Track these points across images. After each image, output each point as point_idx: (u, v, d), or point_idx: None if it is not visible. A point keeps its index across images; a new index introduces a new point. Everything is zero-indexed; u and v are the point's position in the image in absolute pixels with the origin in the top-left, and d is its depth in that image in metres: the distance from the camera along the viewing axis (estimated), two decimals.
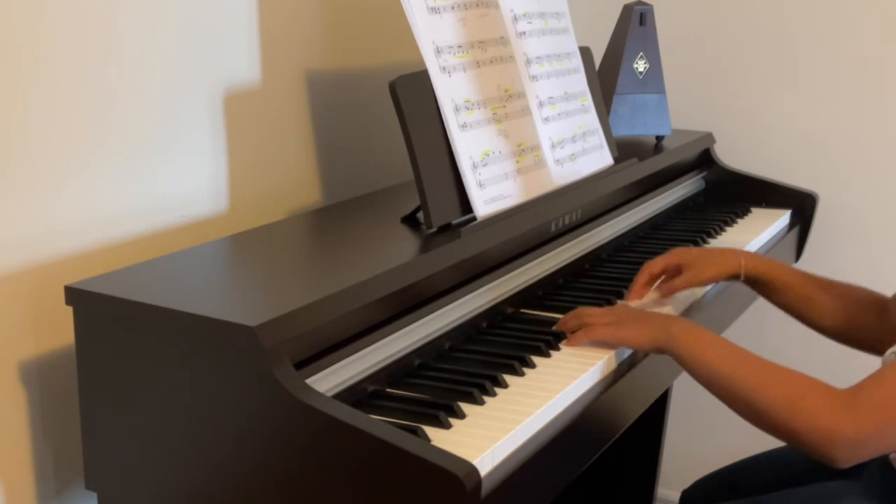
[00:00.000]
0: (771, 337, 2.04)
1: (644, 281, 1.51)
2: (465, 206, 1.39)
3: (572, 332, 1.33)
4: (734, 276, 1.52)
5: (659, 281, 1.53)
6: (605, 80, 1.99)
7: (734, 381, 1.19)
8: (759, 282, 1.52)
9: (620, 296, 1.52)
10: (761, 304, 1.69)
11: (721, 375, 1.20)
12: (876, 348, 1.35)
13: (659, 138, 2.06)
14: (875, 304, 1.45)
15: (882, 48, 2.10)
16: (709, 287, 1.61)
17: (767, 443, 1.29)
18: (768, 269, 1.51)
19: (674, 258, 1.52)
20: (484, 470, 1.01)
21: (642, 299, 1.51)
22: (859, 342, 1.46)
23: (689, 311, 1.54)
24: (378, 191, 1.67)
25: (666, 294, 1.51)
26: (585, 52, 1.77)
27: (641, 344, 1.29)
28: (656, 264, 1.52)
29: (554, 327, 1.36)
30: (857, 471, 1.35)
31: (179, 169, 1.48)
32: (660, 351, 1.28)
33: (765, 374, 1.19)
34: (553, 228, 1.56)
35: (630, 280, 1.57)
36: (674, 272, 1.52)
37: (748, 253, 1.55)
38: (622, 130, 2.00)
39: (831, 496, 1.36)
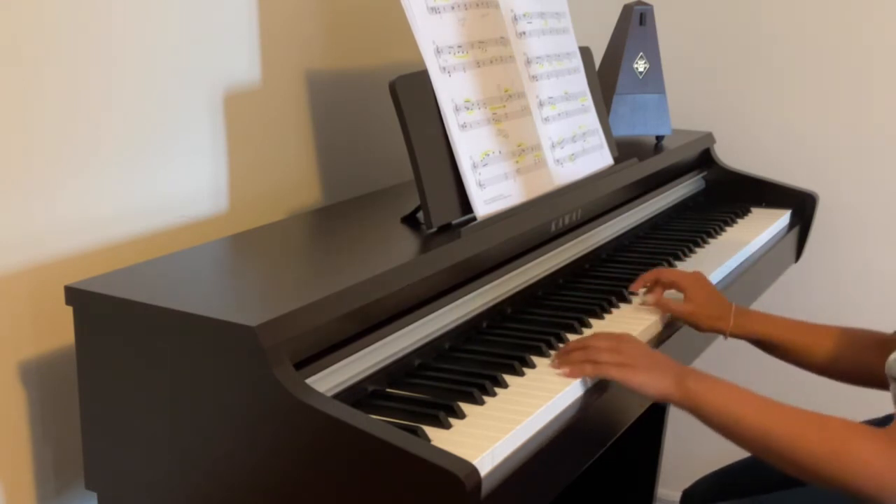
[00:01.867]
0: None
1: (650, 281, 1.51)
2: (465, 206, 1.39)
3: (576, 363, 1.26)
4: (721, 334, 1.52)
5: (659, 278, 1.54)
6: (605, 80, 1.99)
7: (767, 435, 1.16)
8: (751, 342, 1.51)
9: (620, 296, 1.53)
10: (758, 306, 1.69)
11: (751, 429, 1.17)
12: (885, 385, 1.31)
13: (659, 138, 2.06)
14: (875, 343, 1.41)
15: (882, 48, 2.10)
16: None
17: None
18: (757, 329, 1.48)
19: (684, 283, 1.50)
20: (484, 470, 1.01)
21: (637, 290, 1.53)
22: (866, 381, 1.42)
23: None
24: (378, 191, 1.67)
25: (660, 308, 1.49)
26: (585, 52, 1.77)
27: (652, 394, 1.25)
28: (669, 276, 1.51)
29: (554, 360, 1.28)
30: None
31: (179, 169, 1.47)
32: (669, 402, 1.24)
33: (799, 424, 1.16)
34: (553, 228, 1.56)
35: (630, 280, 1.57)
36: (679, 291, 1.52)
37: (741, 313, 1.50)
38: (622, 130, 2.00)
39: (831, 496, 1.36)
